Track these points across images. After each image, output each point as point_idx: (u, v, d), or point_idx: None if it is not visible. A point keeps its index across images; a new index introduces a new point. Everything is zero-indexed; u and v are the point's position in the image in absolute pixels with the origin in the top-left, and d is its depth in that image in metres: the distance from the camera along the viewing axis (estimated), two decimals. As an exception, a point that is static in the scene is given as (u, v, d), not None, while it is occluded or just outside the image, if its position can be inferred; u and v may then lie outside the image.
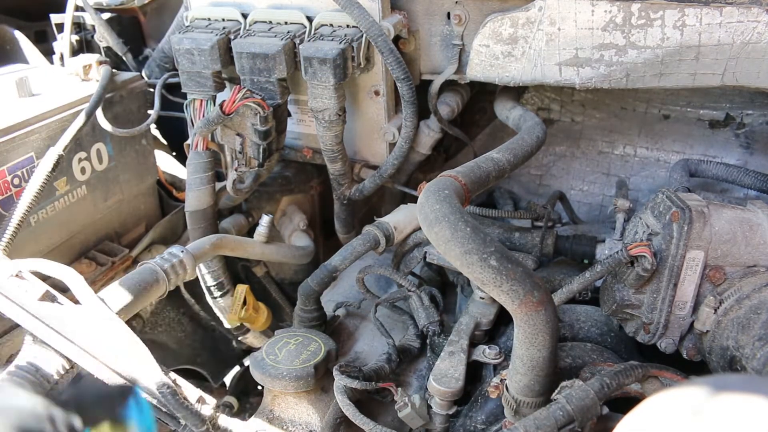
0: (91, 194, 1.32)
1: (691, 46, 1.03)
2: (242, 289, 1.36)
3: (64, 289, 0.90)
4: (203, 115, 1.22)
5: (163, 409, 0.89)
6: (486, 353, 1.03)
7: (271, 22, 1.22)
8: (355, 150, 1.37)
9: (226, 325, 1.47)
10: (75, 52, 1.57)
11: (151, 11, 1.71)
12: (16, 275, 0.85)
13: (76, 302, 0.87)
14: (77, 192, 1.28)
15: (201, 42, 1.17)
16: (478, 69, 1.19)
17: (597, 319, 1.07)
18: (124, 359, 0.86)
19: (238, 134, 1.22)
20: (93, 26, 1.61)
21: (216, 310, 1.45)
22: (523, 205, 1.61)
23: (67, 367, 0.84)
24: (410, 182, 1.44)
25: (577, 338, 1.05)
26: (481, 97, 1.50)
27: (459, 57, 1.21)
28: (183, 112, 1.27)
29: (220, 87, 1.23)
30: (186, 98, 1.26)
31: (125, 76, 1.40)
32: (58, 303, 0.86)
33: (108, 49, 1.62)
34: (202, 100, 1.23)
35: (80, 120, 1.21)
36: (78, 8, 1.56)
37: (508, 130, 1.33)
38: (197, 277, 1.35)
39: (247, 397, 1.58)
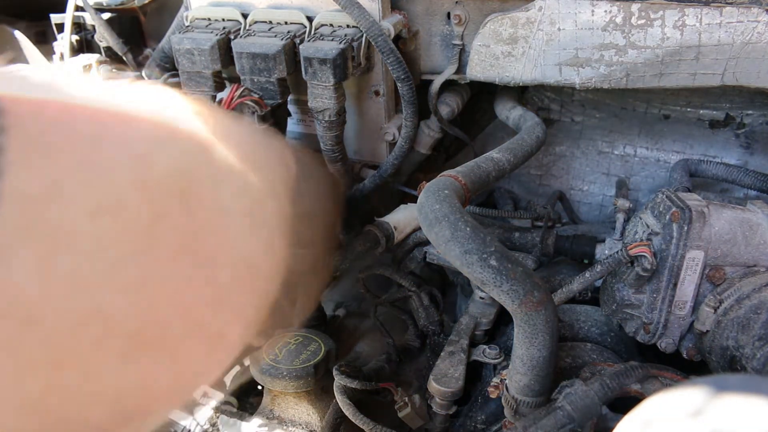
0: (91, 194, 1.32)
1: (691, 46, 1.03)
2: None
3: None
4: (203, 115, 1.22)
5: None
6: (486, 353, 1.03)
7: (271, 22, 1.22)
8: (355, 150, 1.37)
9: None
10: (75, 52, 1.57)
11: (151, 11, 1.71)
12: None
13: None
14: (77, 192, 1.28)
15: (201, 42, 1.17)
16: (478, 69, 1.19)
17: (597, 319, 1.07)
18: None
19: (238, 134, 1.22)
20: (93, 26, 1.61)
21: (216, 310, 1.44)
22: (523, 205, 1.61)
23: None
24: (410, 182, 1.44)
25: (576, 338, 1.05)
26: (481, 97, 1.50)
27: (459, 57, 1.21)
28: (183, 112, 1.27)
29: (220, 87, 1.23)
30: (186, 98, 1.25)
31: (125, 75, 1.40)
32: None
33: (108, 49, 1.62)
34: (202, 100, 1.23)
35: (80, 120, 1.21)
36: (78, 8, 1.56)
37: (508, 130, 1.33)
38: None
39: (247, 397, 1.58)
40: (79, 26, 1.62)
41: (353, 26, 1.16)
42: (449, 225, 0.75)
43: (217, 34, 1.19)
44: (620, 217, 1.15)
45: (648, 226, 0.89)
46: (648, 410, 0.50)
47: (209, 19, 1.26)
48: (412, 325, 1.18)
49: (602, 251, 1.17)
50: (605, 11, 1.05)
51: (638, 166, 1.51)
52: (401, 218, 1.26)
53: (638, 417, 0.50)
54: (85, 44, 1.63)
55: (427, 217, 0.78)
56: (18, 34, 1.61)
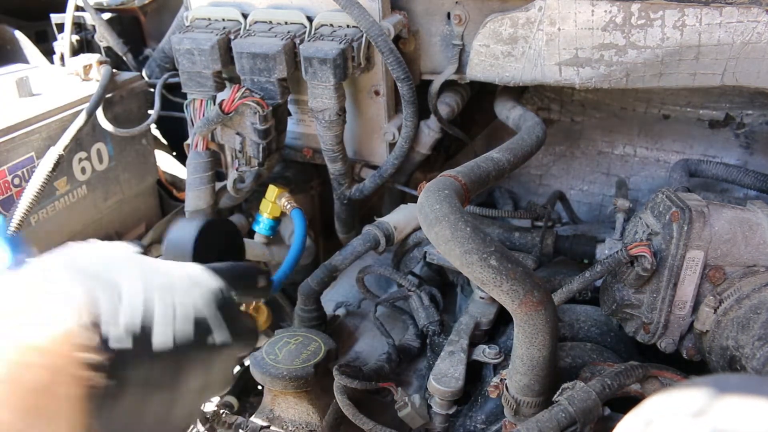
0: (92, 194, 1.32)
1: (691, 46, 1.04)
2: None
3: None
4: (203, 115, 1.22)
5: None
6: (486, 353, 1.03)
7: (271, 22, 1.22)
8: (355, 150, 1.37)
9: (226, 324, 1.47)
10: (75, 52, 1.57)
11: (151, 11, 1.71)
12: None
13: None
14: (77, 192, 1.29)
15: (201, 42, 1.17)
16: (478, 69, 1.19)
17: (597, 318, 1.07)
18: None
19: (237, 133, 1.22)
20: (93, 26, 1.61)
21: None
22: (523, 205, 1.61)
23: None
24: (410, 182, 1.44)
25: (576, 338, 1.05)
26: (481, 97, 1.50)
27: (459, 57, 1.21)
28: (183, 112, 1.27)
29: (220, 87, 1.23)
30: (186, 98, 1.26)
31: (125, 76, 1.40)
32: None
33: (108, 49, 1.62)
34: (202, 100, 1.23)
35: (81, 120, 1.21)
36: (78, 8, 1.56)
37: (508, 130, 1.33)
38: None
39: (247, 396, 1.58)
40: (79, 26, 1.62)
41: (353, 26, 1.17)
42: (449, 225, 0.75)
43: (217, 34, 1.19)
44: (620, 217, 1.15)
45: (648, 226, 0.89)
46: (649, 409, 0.50)
47: (209, 19, 1.26)
48: (412, 325, 1.18)
49: (602, 251, 1.17)
50: (605, 11, 1.05)
51: (638, 166, 1.51)
52: (401, 218, 1.26)
53: (639, 416, 0.50)
54: (85, 44, 1.63)
55: (428, 217, 0.78)
56: (18, 34, 1.61)
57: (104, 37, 1.59)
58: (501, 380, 0.88)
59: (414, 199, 1.06)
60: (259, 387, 1.57)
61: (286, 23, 1.21)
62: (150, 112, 1.41)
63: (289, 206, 1.28)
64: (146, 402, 0.52)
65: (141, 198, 1.49)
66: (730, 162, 1.39)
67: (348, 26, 1.17)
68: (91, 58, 1.38)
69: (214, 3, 1.27)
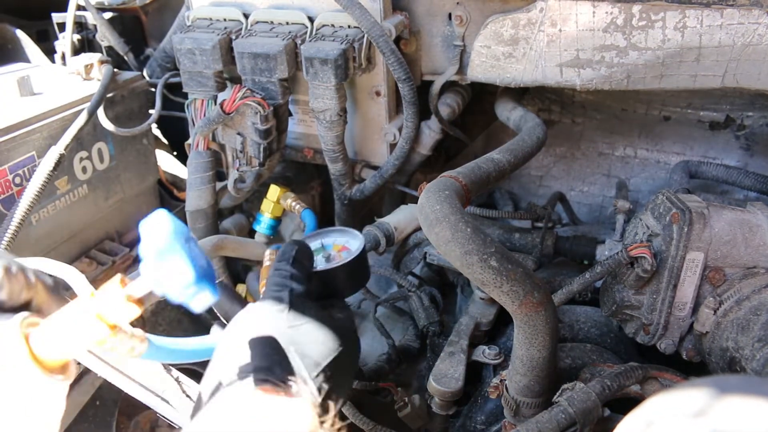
0: (92, 193, 1.32)
1: (691, 48, 1.04)
2: (242, 289, 1.36)
3: (65, 288, 0.90)
4: (204, 115, 1.22)
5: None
6: (486, 353, 1.03)
7: (272, 22, 1.22)
8: (356, 150, 1.37)
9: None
10: (76, 51, 1.57)
11: (152, 11, 1.71)
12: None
13: (78, 301, 0.87)
14: (78, 191, 1.29)
15: (202, 42, 1.17)
16: (479, 70, 1.20)
17: (597, 319, 1.08)
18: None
19: (238, 133, 1.22)
20: (95, 25, 1.61)
21: (216, 310, 1.44)
22: (523, 206, 1.61)
23: (69, 365, 0.84)
24: (411, 183, 1.44)
25: (576, 339, 1.05)
26: (482, 98, 1.51)
27: (460, 58, 1.21)
28: (184, 111, 1.27)
29: (221, 87, 1.23)
30: (187, 98, 1.26)
31: (127, 75, 1.40)
32: (60, 302, 0.86)
33: (109, 48, 1.62)
34: (203, 100, 1.23)
35: (82, 119, 1.21)
36: (80, 7, 1.56)
37: (509, 131, 1.33)
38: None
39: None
40: (80, 25, 1.62)
41: (354, 27, 1.17)
42: (450, 226, 0.75)
43: (218, 34, 1.19)
44: (620, 219, 1.15)
45: (648, 228, 0.89)
46: (649, 410, 0.50)
47: (211, 19, 1.27)
48: (412, 325, 1.18)
49: (602, 252, 1.17)
50: (606, 12, 1.05)
51: (638, 168, 1.51)
52: (401, 219, 1.26)
53: (640, 417, 0.50)
54: (86, 43, 1.63)
55: (428, 218, 0.78)
56: (19, 33, 1.61)
57: (105, 37, 1.59)
58: (501, 381, 0.88)
59: (414, 200, 1.06)
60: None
61: (287, 23, 1.21)
62: (151, 111, 1.41)
63: (298, 207, 1.27)
64: None
65: (142, 197, 1.49)
66: (731, 164, 1.40)
67: (349, 27, 1.17)
68: (93, 57, 1.38)
69: (215, 3, 1.27)
